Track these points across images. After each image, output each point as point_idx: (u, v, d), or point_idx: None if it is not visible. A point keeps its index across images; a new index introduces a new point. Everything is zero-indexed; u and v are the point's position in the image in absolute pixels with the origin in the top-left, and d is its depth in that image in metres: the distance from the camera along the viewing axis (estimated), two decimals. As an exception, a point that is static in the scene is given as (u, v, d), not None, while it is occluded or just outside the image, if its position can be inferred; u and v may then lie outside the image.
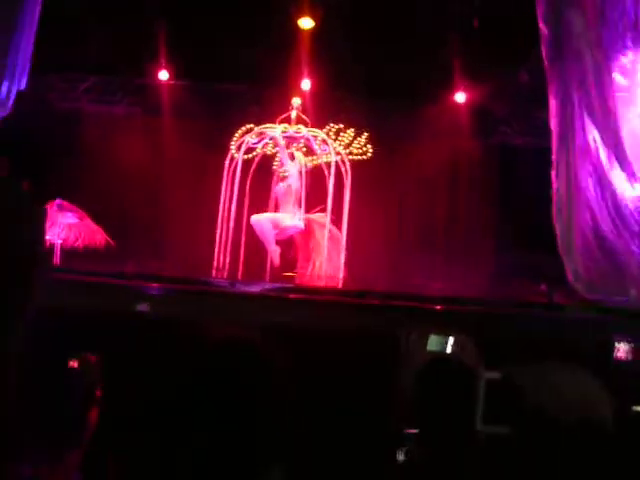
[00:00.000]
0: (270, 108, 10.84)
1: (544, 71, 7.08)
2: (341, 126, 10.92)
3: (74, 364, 2.38)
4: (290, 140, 10.31)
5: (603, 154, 6.52)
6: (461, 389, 2.30)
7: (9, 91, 6.80)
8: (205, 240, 10.53)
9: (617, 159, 6.52)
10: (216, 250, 10.21)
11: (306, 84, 11.31)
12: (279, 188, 10.01)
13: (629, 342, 4.49)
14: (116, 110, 12.68)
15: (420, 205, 12.53)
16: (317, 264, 9.89)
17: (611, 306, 6.07)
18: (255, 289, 6.68)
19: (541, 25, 6.97)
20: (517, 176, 11.33)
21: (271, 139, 10.44)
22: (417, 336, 3.47)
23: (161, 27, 10.18)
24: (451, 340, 3.28)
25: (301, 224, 9.74)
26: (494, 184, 12.18)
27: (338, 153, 10.39)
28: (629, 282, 6.47)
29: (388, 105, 11.72)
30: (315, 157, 10.64)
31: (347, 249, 10.10)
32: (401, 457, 2.42)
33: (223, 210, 10.29)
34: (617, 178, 6.55)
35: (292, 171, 9.84)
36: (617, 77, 6.72)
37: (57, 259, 9.61)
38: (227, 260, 10.09)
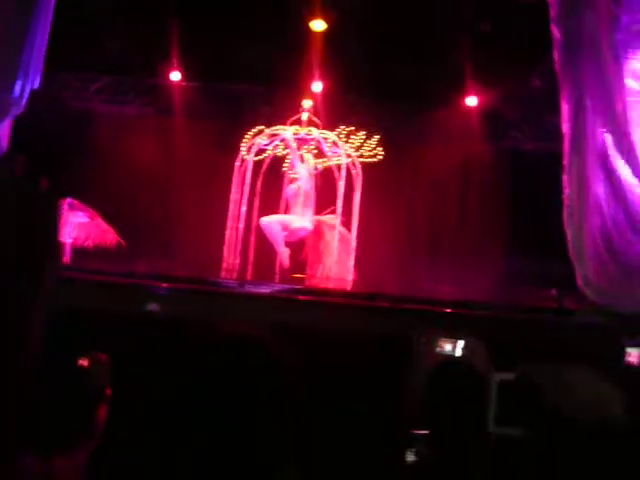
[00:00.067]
0: (281, 110, 10.86)
1: (556, 75, 7.06)
2: (352, 128, 10.93)
3: (84, 362, 2.39)
4: (301, 142, 10.32)
5: (615, 159, 6.49)
6: (472, 392, 2.29)
7: (23, 90, 6.83)
8: (215, 241, 10.54)
9: (629, 164, 6.50)
10: (226, 251, 10.22)
11: (317, 86, 11.30)
12: (289, 190, 10.03)
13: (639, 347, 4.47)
14: (128, 110, 12.73)
15: (430, 208, 12.51)
16: (327, 266, 9.89)
17: (621, 311, 6.04)
18: (264, 290, 6.69)
19: (553, 29, 6.94)
20: (527, 180, 11.29)
21: (282, 141, 10.46)
22: (427, 339, 3.46)
23: (173, 28, 10.20)
24: (461, 343, 3.27)
25: (310, 226, 9.74)
26: (504, 188, 12.15)
27: (349, 155, 10.39)
28: (639, 287, 6.44)
29: (399, 108, 11.73)
30: (326, 159, 10.64)
31: (357, 251, 10.10)
32: (411, 458, 2.42)
33: (233, 211, 10.31)
34: (629, 183, 6.52)
35: (302, 173, 9.86)
36: (629, 82, 6.70)
37: (68, 258, 9.64)
38: (237, 261, 10.10)
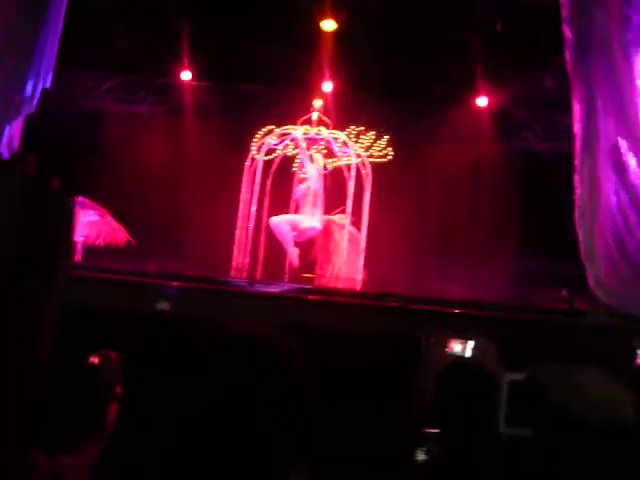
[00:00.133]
0: (291, 109, 10.87)
1: (567, 76, 7.04)
2: (362, 128, 10.92)
3: (95, 360, 2.39)
4: (311, 142, 10.32)
5: (627, 159, 6.46)
6: (482, 393, 2.29)
7: (34, 89, 6.86)
8: (225, 240, 10.55)
9: (641, 165, 6.47)
10: (235, 250, 10.24)
11: (328, 86, 11.30)
12: (299, 190, 10.03)
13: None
14: (139, 109, 12.76)
15: (440, 209, 12.48)
16: (337, 265, 9.89)
17: (633, 312, 6.01)
18: (274, 290, 6.69)
19: (565, 29, 6.92)
20: (538, 181, 11.26)
21: (292, 140, 10.46)
22: (437, 339, 3.46)
23: (184, 27, 10.22)
24: (472, 344, 3.27)
25: (319, 226, 9.74)
26: (515, 189, 12.12)
27: (359, 155, 10.39)
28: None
29: (409, 108, 11.70)
30: (336, 159, 10.64)
31: (366, 251, 10.09)
32: (422, 457, 2.42)
33: (243, 210, 10.32)
34: (641, 184, 6.50)
35: (311, 173, 9.86)
36: (641, 82, 6.67)
37: (78, 256, 9.67)
38: (246, 260, 10.11)
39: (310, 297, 6.28)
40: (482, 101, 11.56)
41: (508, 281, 10.67)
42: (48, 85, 7.00)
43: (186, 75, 11.69)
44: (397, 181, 11.75)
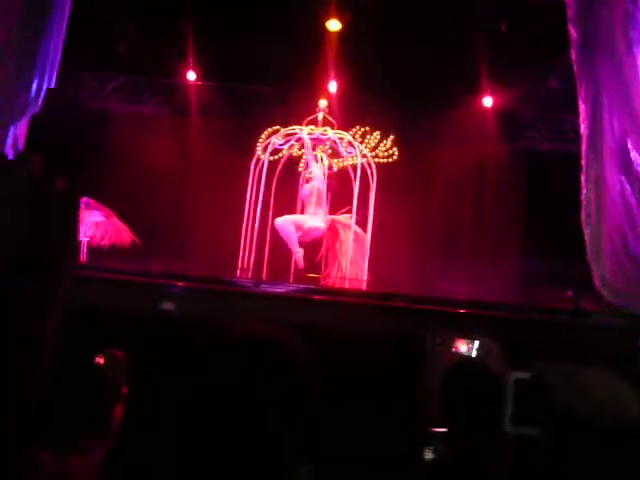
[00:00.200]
0: (297, 110, 10.88)
1: (572, 75, 7.03)
2: (367, 129, 10.93)
3: (100, 360, 2.40)
4: (316, 142, 10.33)
5: (633, 159, 6.45)
6: (487, 392, 2.29)
7: (39, 90, 6.87)
8: (230, 240, 10.56)
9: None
10: (241, 251, 10.24)
11: (333, 86, 11.30)
12: (304, 190, 10.04)
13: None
14: (144, 110, 12.79)
15: (445, 209, 12.49)
16: (343, 265, 9.88)
17: (638, 312, 5.99)
18: (279, 290, 6.69)
19: (571, 29, 6.92)
20: (543, 181, 11.25)
21: (297, 140, 10.46)
22: (442, 339, 3.46)
23: (189, 28, 10.23)
24: (477, 344, 3.27)
25: (324, 226, 9.74)
26: (520, 189, 12.12)
27: (364, 155, 10.39)
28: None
29: (414, 108, 11.69)
30: (341, 159, 10.65)
31: (372, 251, 10.09)
32: (429, 456, 2.42)
33: (248, 211, 10.32)
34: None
35: (316, 173, 9.87)
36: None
37: (84, 257, 9.69)
38: (252, 261, 10.12)
39: (316, 297, 6.28)
40: (487, 101, 11.55)
41: (513, 281, 10.65)
42: (53, 86, 7.01)
43: (191, 75, 11.69)
44: (402, 181, 11.75)
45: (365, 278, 9.84)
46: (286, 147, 10.74)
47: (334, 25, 9.88)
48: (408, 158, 11.40)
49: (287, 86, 11.44)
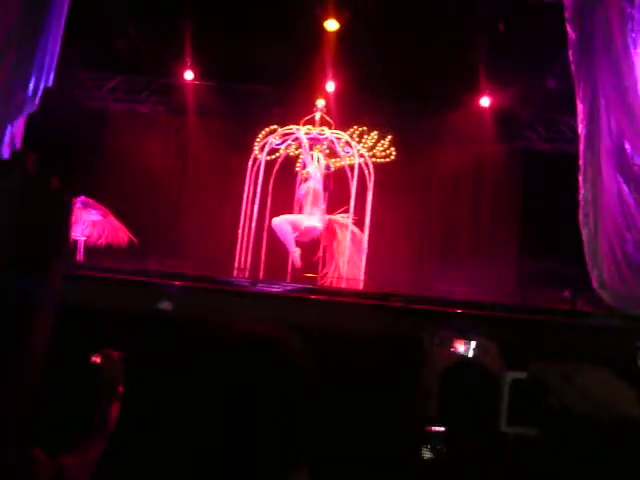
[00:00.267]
0: (294, 109, 10.88)
1: (570, 76, 7.03)
2: (365, 128, 10.93)
3: (97, 360, 2.39)
4: (313, 142, 10.32)
5: (631, 159, 6.45)
6: (484, 392, 2.29)
7: (36, 88, 6.86)
8: (227, 240, 10.56)
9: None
10: (238, 250, 10.24)
11: (330, 86, 11.30)
12: (301, 189, 10.03)
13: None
14: (141, 109, 12.78)
15: (443, 209, 12.50)
16: (340, 265, 9.88)
17: (636, 313, 6.00)
18: (277, 289, 6.68)
19: (568, 29, 6.92)
20: (541, 181, 11.26)
21: (294, 140, 10.46)
22: (440, 339, 3.45)
23: (187, 27, 10.22)
24: (474, 344, 3.26)
25: (321, 225, 9.74)
26: (518, 189, 12.15)
27: (361, 155, 10.39)
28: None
29: (412, 108, 11.69)
30: (338, 159, 10.64)
31: (369, 251, 10.09)
32: (427, 455, 2.42)
33: (245, 210, 10.32)
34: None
35: (313, 172, 9.87)
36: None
37: (80, 256, 9.68)
38: (249, 260, 10.11)
39: (313, 297, 6.27)
40: (485, 101, 11.55)
41: (511, 281, 10.67)
42: (50, 85, 7.00)
43: (188, 75, 11.69)
44: (400, 181, 11.76)
45: (362, 278, 9.84)
46: (283, 147, 10.74)
47: (332, 25, 9.87)
48: (406, 158, 11.41)
49: (285, 86, 11.43)
